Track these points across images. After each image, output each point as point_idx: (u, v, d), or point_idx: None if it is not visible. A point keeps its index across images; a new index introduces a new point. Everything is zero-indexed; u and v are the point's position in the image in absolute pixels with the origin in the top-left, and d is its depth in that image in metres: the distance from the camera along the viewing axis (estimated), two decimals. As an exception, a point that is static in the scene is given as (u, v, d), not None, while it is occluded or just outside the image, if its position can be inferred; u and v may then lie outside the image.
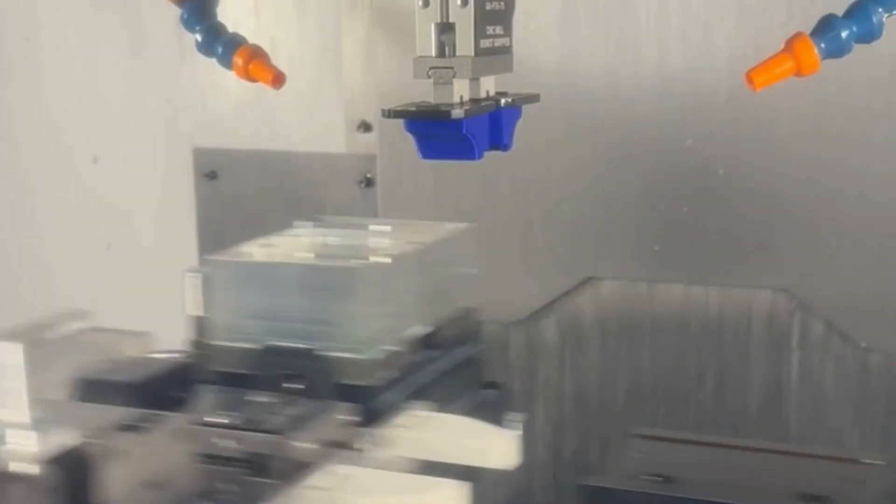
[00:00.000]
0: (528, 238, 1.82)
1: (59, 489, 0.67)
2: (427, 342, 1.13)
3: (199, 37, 1.20)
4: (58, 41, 2.11)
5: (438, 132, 1.05)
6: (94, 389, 0.93)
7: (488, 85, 1.11)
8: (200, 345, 1.12)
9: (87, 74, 2.14)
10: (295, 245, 1.15)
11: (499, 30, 1.10)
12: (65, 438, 0.69)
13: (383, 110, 1.06)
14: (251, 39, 1.21)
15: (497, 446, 0.95)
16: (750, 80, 1.01)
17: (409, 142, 1.11)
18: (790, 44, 1.02)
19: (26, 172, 2.06)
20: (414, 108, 1.05)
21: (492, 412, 1.15)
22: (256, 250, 1.11)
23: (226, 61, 1.20)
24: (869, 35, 1.01)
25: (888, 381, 1.63)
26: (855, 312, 1.61)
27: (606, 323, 1.77)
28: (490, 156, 1.12)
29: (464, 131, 1.05)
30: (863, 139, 1.60)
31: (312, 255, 1.13)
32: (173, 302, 2.18)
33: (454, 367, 1.16)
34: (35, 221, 2.13)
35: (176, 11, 1.21)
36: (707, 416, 1.67)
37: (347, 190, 2.02)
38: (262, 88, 1.20)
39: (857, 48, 1.03)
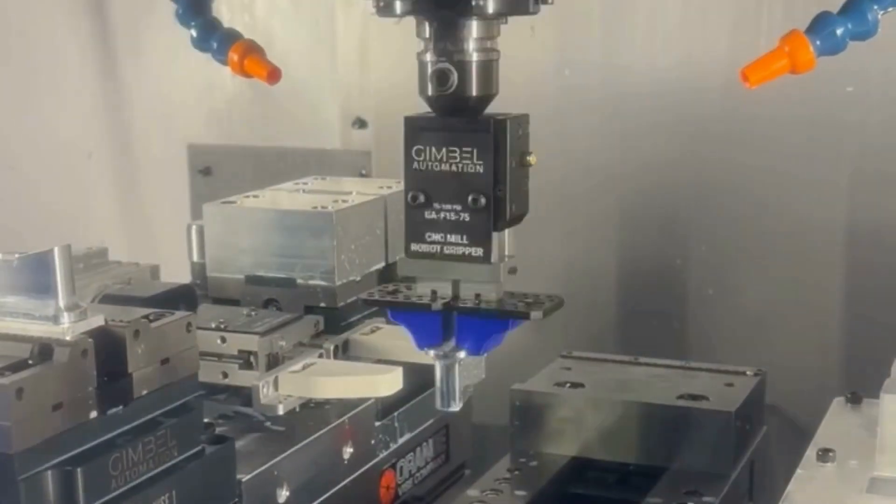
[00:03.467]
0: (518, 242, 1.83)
1: (95, 355, 0.88)
2: (384, 276, 1.34)
3: (194, 32, 1.20)
4: (52, 37, 2.10)
5: None
6: (115, 303, 1.11)
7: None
8: (200, 277, 1.35)
9: (82, 70, 2.14)
10: (275, 195, 1.42)
11: None
12: (98, 322, 0.90)
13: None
14: (246, 35, 1.20)
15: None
16: (745, 77, 1.01)
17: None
18: (785, 41, 1.01)
19: (21, 168, 2.06)
20: None
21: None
22: (245, 200, 1.38)
23: (221, 57, 1.19)
24: (864, 32, 1.00)
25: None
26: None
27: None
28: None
29: None
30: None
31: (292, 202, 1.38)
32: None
33: None
34: (30, 217, 2.12)
35: (171, 7, 1.21)
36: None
37: (342, 186, 2.02)
38: (258, 84, 1.20)
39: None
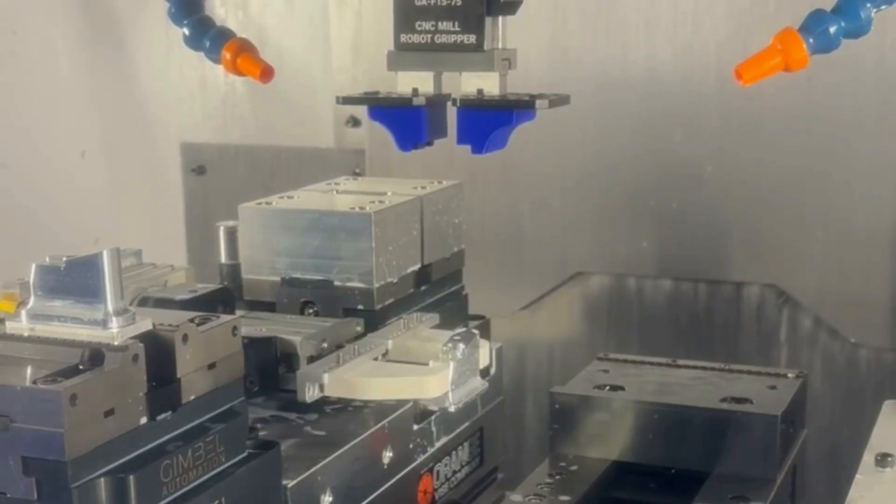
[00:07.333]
0: (516, 232, 1.83)
1: (144, 359, 0.86)
2: (420, 277, 1.31)
3: (186, 31, 1.20)
4: (46, 36, 2.10)
5: None
6: (154, 306, 1.14)
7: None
8: (229, 279, 1.31)
9: (75, 69, 2.13)
10: (310, 196, 1.36)
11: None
12: (146, 326, 0.88)
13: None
14: (239, 33, 1.20)
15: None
16: (738, 75, 1.01)
17: (399, 136, 1.11)
18: (778, 39, 1.01)
19: (14, 167, 2.06)
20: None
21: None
22: (281, 201, 1.32)
23: (213, 55, 1.19)
24: (857, 30, 1.00)
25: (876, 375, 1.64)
26: (843, 308, 1.62)
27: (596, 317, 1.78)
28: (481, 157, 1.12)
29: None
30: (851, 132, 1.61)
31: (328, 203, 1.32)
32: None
33: (442, 299, 1.36)
34: (23, 216, 2.12)
35: (164, 5, 1.21)
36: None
37: (336, 185, 2.02)
38: (251, 82, 1.20)
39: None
